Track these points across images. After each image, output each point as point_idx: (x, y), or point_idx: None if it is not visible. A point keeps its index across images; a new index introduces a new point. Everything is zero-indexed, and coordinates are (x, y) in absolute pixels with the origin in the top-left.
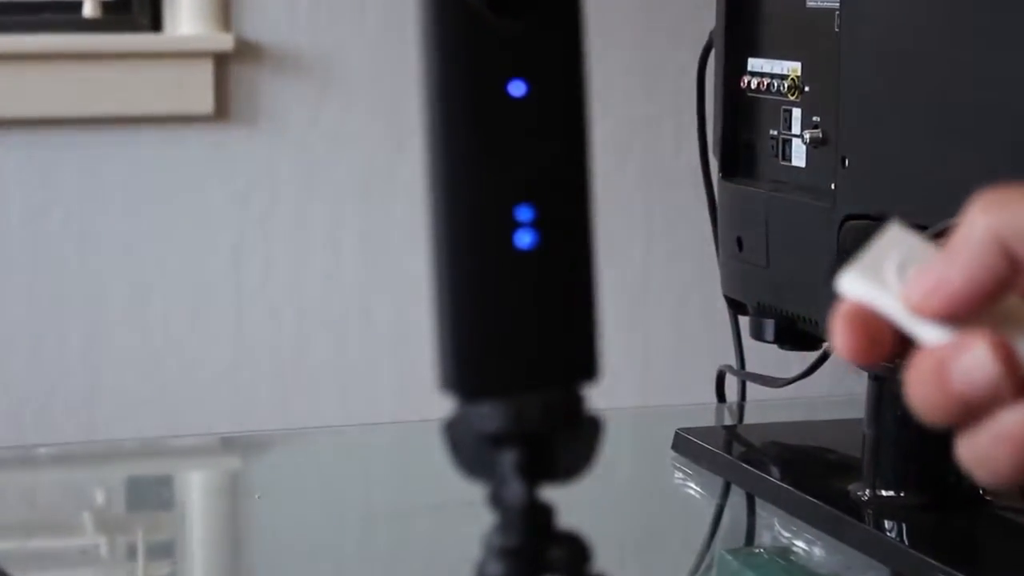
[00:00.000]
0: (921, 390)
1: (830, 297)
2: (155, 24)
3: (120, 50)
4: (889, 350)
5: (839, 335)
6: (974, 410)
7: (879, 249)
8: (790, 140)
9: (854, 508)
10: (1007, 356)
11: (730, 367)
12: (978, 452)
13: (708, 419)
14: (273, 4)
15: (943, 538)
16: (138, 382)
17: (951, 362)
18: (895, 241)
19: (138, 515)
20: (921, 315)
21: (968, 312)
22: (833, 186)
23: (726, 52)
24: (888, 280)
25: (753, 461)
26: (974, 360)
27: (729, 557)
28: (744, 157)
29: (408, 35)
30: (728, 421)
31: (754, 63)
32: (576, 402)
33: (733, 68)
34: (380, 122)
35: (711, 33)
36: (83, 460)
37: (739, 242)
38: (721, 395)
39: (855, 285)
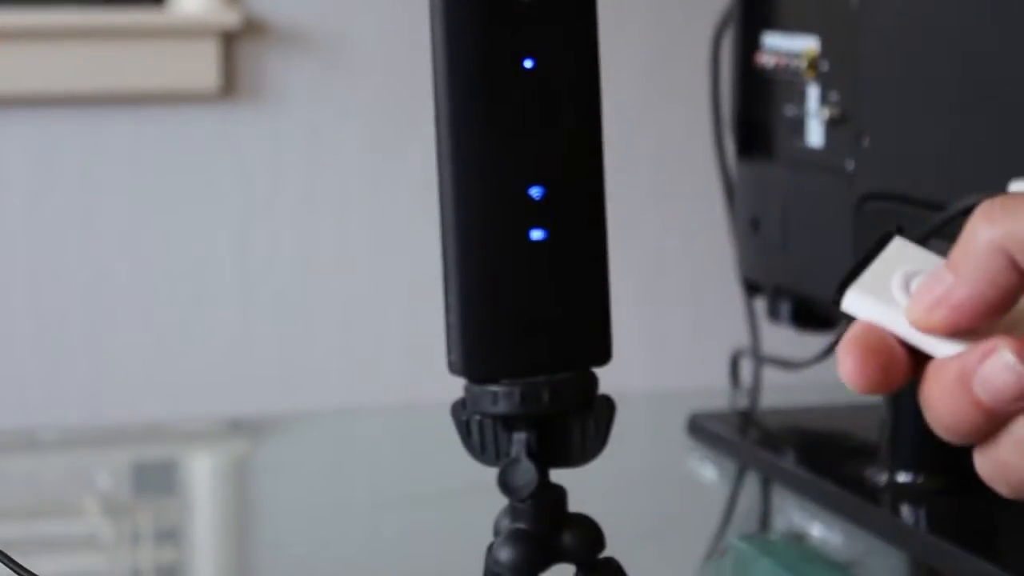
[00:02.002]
0: (943, 403)
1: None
2: None
3: (123, 26)
4: (903, 376)
5: (848, 366)
6: (997, 419)
7: (883, 264)
8: (807, 118)
9: (871, 493)
10: None
11: (745, 349)
12: (999, 463)
13: (722, 403)
14: None
15: (961, 522)
16: (143, 365)
17: (974, 370)
18: (899, 254)
19: (143, 499)
20: (925, 331)
21: (975, 324)
22: (851, 165)
23: (742, 28)
24: (894, 295)
25: (768, 445)
26: (999, 365)
27: (744, 543)
28: (760, 136)
29: (418, 11)
30: (743, 405)
31: (770, 39)
32: (587, 385)
33: (748, 44)
34: (389, 100)
35: (726, 8)
36: (88, 443)
37: (755, 222)
38: (736, 378)
39: (860, 303)
